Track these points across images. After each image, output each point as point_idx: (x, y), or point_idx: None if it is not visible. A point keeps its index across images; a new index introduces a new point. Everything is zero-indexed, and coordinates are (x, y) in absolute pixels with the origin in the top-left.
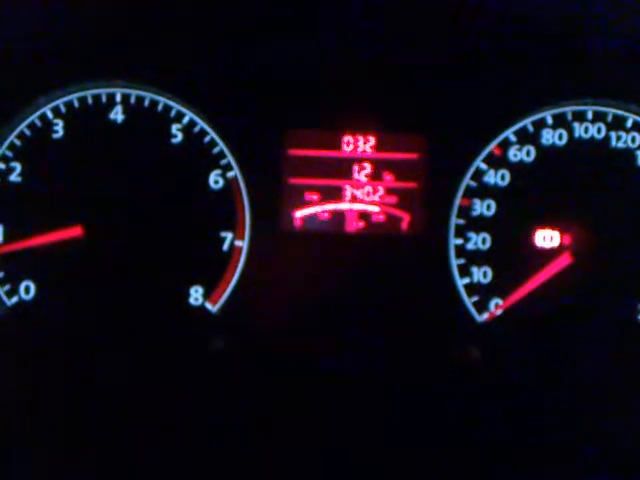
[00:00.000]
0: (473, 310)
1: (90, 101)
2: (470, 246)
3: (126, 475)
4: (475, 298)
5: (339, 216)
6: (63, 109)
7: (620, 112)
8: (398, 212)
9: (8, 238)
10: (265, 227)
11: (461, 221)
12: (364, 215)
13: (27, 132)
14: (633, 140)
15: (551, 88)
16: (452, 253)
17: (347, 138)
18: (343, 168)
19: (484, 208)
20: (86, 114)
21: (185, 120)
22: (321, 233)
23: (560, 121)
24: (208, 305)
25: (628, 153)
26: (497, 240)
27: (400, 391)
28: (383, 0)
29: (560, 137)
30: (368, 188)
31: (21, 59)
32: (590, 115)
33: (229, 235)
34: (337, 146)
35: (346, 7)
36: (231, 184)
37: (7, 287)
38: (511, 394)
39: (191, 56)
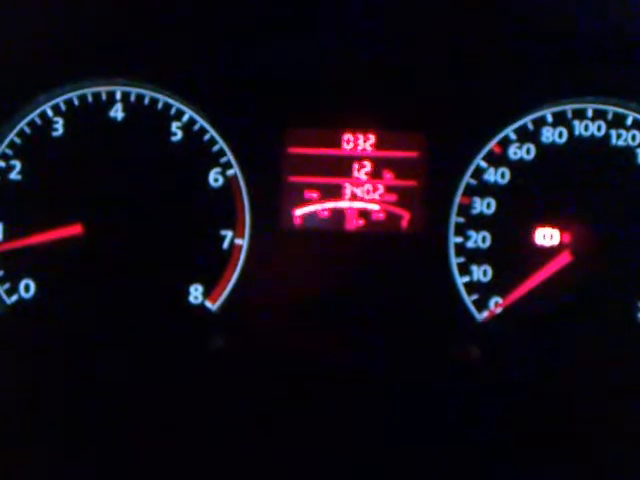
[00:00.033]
0: (473, 308)
1: (90, 99)
2: (470, 244)
3: (126, 473)
4: (475, 296)
5: (339, 214)
6: (63, 107)
7: (620, 110)
8: (398, 210)
9: (8, 236)
10: (265, 225)
11: (461, 219)
12: (364, 213)
13: (27, 130)
14: (633, 138)
15: (551, 87)
16: (452, 251)
17: (347, 136)
18: (343, 166)
19: (484, 206)
20: (86, 112)
21: (185, 118)
22: (321, 231)
23: (560, 119)
24: (208, 303)
25: (628, 151)
26: (497, 238)
27: (400, 389)
28: (383, 0)
29: (560, 135)
30: (368, 186)
31: (21, 58)
32: (590, 113)
33: (229, 233)
34: (337, 144)
35: (346, 7)
36: (231, 182)
37: (7, 285)
38: (511, 393)
39: (191, 55)
